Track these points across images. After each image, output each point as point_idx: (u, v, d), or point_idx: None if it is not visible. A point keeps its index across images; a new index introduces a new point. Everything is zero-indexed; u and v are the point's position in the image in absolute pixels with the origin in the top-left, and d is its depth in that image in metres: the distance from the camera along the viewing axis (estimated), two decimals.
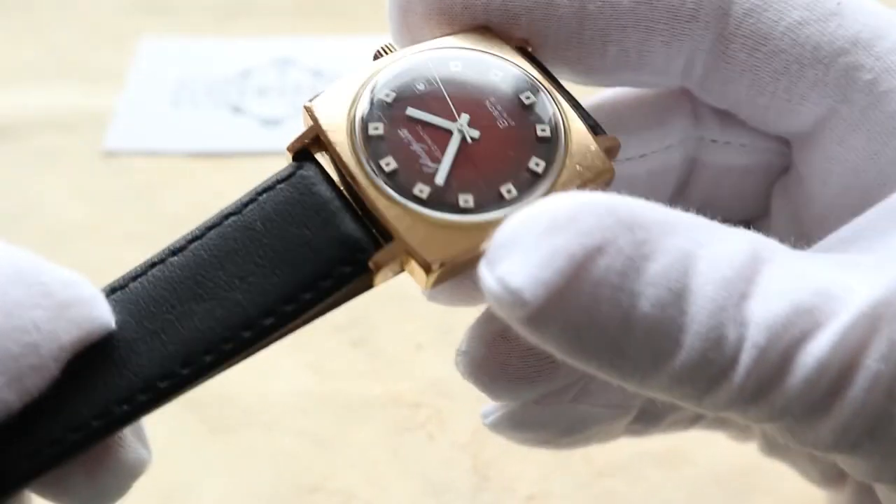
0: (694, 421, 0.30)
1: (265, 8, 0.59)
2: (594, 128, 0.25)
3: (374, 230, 0.23)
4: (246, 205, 0.24)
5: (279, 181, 0.24)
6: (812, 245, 0.25)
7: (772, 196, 0.29)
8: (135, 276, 0.23)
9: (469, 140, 0.24)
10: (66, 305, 0.21)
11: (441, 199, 0.23)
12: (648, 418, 0.29)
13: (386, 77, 0.25)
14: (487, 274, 0.20)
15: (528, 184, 0.23)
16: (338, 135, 0.24)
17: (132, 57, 0.56)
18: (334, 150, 0.23)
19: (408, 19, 0.26)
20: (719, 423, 0.30)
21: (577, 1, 0.25)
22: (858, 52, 0.25)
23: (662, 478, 0.35)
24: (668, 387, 0.20)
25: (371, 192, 0.23)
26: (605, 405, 0.27)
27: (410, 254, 0.22)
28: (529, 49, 0.26)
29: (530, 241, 0.19)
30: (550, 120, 0.24)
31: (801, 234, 0.27)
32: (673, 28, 0.25)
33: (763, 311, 0.20)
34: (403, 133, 0.24)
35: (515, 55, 0.25)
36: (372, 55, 0.26)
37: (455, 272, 0.23)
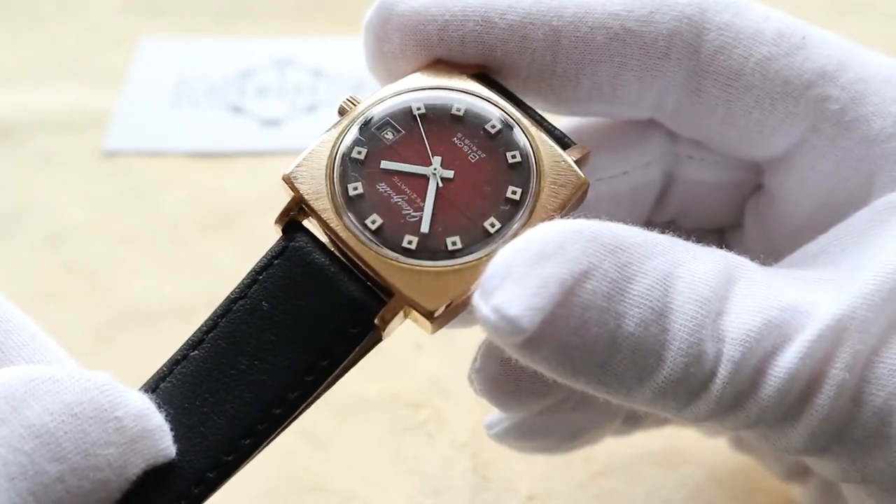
0: (668, 420, 0.31)
1: (265, 8, 0.59)
2: (562, 140, 0.25)
3: (373, 287, 0.24)
4: (249, 286, 0.24)
5: (274, 257, 0.25)
6: (781, 259, 0.26)
7: (745, 211, 0.30)
8: (162, 376, 0.24)
9: (441, 182, 0.24)
10: (137, 440, 0.22)
11: (430, 247, 0.24)
12: (632, 420, 0.31)
13: (353, 135, 0.25)
14: (483, 305, 0.21)
15: (509, 214, 0.24)
16: (320, 202, 0.24)
17: (132, 57, 0.56)
18: (320, 218, 0.24)
19: (383, 49, 0.27)
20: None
21: (552, 35, 0.25)
22: (825, 84, 0.26)
23: (662, 478, 0.35)
24: (652, 400, 0.21)
25: (364, 253, 0.24)
26: (599, 413, 0.28)
27: (412, 306, 0.23)
28: (485, 73, 0.26)
29: (522, 271, 0.21)
30: (518, 144, 0.25)
31: (773, 248, 0.28)
32: (645, 64, 0.26)
33: (737, 327, 0.21)
34: (382, 187, 0.25)
35: (473, 83, 0.26)
36: (337, 110, 0.26)
37: (456, 312, 0.24)
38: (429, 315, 0.23)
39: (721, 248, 0.23)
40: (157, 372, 0.24)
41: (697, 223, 0.31)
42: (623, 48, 0.26)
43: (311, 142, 0.25)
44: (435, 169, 0.25)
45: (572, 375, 0.21)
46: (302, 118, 0.52)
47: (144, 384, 0.24)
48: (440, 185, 0.24)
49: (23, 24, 0.58)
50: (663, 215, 0.31)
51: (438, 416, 0.39)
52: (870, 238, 0.23)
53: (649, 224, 0.24)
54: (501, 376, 0.26)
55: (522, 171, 0.25)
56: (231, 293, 0.24)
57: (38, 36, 0.57)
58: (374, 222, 0.24)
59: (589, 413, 0.28)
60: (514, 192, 0.24)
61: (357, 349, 0.24)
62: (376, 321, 0.24)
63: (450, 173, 0.25)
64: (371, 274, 0.24)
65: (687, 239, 0.23)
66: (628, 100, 0.27)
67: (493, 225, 0.24)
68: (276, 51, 0.56)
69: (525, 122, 0.25)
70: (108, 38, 0.57)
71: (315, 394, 0.25)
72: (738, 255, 0.23)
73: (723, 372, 0.21)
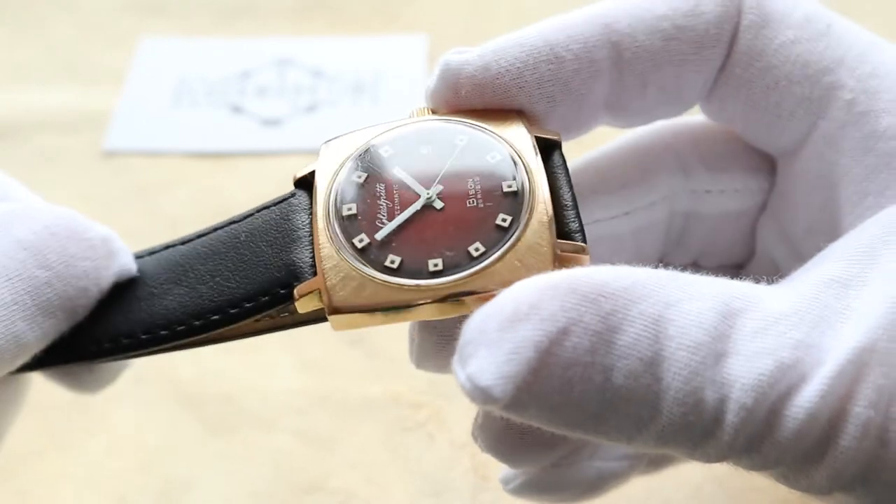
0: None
1: (265, 8, 0.59)
2: (568, 234, 0.24)
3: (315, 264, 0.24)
4: (246, 217, 0.27)
5: (276, 202, 0.26)
6: (798, 266, 0.25)
7: (757, 229, 0.29)
8: (151, 251, 0.28)
9: (427, 206, 0.24)
10: (106, 256, 0.26)
11: (371, 254, 0.24)
12: (658, 461, 0.30)
13: (394, 134, 0.26)
14: (459, 372, 0.20)
15: (462, 266, 0.23)
16: (325, 173, 0.25)
17: (132, 57, 0.56)
18: (315, 186, 0.25)
19: (458, 81, 0.26)
20: None
21: (614, 52, 0.25)
22: (842, 73, 0.26)
23: (663, 477, 0.35)
24: (655, 445, 0.20)
25: (318, 227, 0.24)
26: (619, 458, 0.28)
27: (323, 292, 0.24)
28: (556, 141, 0.26)
29: (495, 336, 0.20)
30: (516, 212, 0.24)
31: (791, 255, 0.28)
32: (701, 56, 0.26)
33: (746, 372, 0.20)
34: (380, 187, 0.25)
35: (516, 126, 0.25)
36: (407, 113, 0.27)
37: (365, 323, 0.24)
38: (330, 307, 0.23)
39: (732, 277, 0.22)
40: (153, 247, 0.28)
41: (720, 261, 0.31)
42: (679, 46, 0.26)
43: (370, 125, 0.26)
44: (430, 194, 0.25)
45: (566, 430, 0.21)
46: (302, 118, 0.52)
47: (141, 250, 0.28)
48: (428, 208, 0.24)
49: (23, 24, 0.58)
50: (685, 256, 0.30)
51: (438, 416, 0.39)
52: (885, 258, 0.22)
53: (668, 265, 0.23)
54: (504, 432, 0.25)
55: (502, 237, 0.24)
56: (235, 215, 0.27)
57: (38, 36, 0.57)
58: (349, 209, 0.24)
59: (608, 460, 0.28)
60: (476, 249, 0.24)
61: (265, 314, 0.25)
62: (295, 291, 0.24)
63: (440, 204, 0.24)
64: (314, 249, 0.24)
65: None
66: (691, 96, 0.27)
67: (436, 265, 0.24)
68: (276, 51, 0.56)
69: (542, 196, 0.24)
70: (108, 38, 0.57)
71: (232, 327, 0.26)
72: (744, 280, 0.22)
73: (732, 419, 0.20)
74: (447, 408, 0.39)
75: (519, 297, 0.20)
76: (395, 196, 0.25)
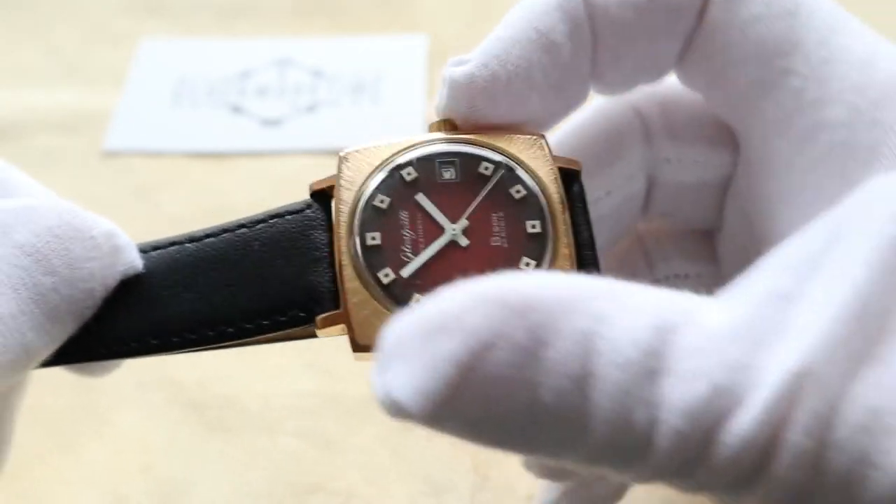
0: None
1: (265, 8, 0.59)
2: (586, 267, 0.24)
3: (338, 290, 0.24)
4: (257, 223, 0.26)
5: (290, 212, 0.25)
6: (759, 255, 0.23)
7: (725, 205, 0.29)
8: (156, 246, 0.27)
9: (454, 243, 0.24)
10: (111, 254, 0.25)
11: (398, 292, 0.24)
12: None
13: (419, 153, 0.25)
14: (376, 381, 0.19)
15: None
16: (346, 193, 0.25)
17: (132, 57, 0.56)
18: (336, 207, 0.25)
19: (470, 96, 0.25)
20: None
21: (592, 24, 0.25)
22: (797, 57, 0.25)
23: None
24: (587, 464, 0.20)
25: (344, 259, 0.24)
26: None
27: (348, 329, 0.24)
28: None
29: (414, 349, 0.19)
30: (540, 253, 0.24)
31: (755, 238, 0.27)
32: (674, 27, 0.26)
33: (680, 394, 0.19)
34: (403, 215, 0.24)
35: (540, 155, 0.25)
36: (428, 126, 0.26)
37: None
38: (355, 345, 0.24)
39: (704, 251, 0.21)
40: (159, 240, 0.27)
41: (686, 225, 0.30)
42: (653, 18, 0.25)
43: (390, 137, 0.26)
44: (455, 230, 0.24)
45: (490, 446, 0.19)
46: (302, 118, 0.52)
47: (141, 243, 0.27)
48: (453, 245, 0.24)
49: (23, 24, 0.58)
50: (648, 220, 0.30)
51: None
52: (826, 269, 0.21)
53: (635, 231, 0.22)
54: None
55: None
56: (243, 218, 0.26)
57: (39, 36, 0.57)
58: (373, 238, 0.24)
59: None
60: (527, 264, 0.24)
61: (294, 331, 0.25)
62: (318, 320, 0.24)
63: (465, 241, 0.24)
64: (339, 279, 0.24)
65: (674, 246, 0.21)
66: (667, 65, 0.27)
67: None
68: (276, 51, 0.56)
69: (563, 239, 0.24)
70: (108, 38, 0.57)
71: (245, 340, 0.25)
72: (685, 292, 0.20)
73: (664, 443, 0.19)
74: None
75: (443, 307, 0.19)
76: (419, 226, 0.24)
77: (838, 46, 0.25)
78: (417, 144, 0.25)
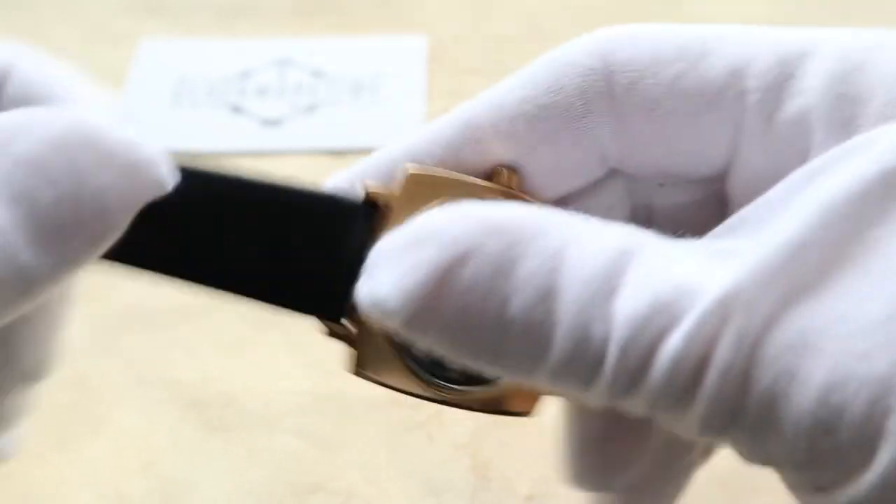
0: None
1: (265, 8, 0.59)
2: None
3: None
4: (303, 196, 0.24)
5: (341, 204, 0.24)
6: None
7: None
8: (182, 166, 0.24)
9: None
10: (131, 169, 0.23)
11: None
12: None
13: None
14: (361, 290, 0.21)
15: (484, 380, 0.25)
16: (400, 218, 0.24)
17: (132, 57, 0.56)
18: (385, 223, 0.24)
19: (474, 134, 0.26)
20: None
21: (478, 150, 0.26)
22: (739, 81, 0.25)
23: None
24: (550, 382, 0.21)
25: None
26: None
27: (352, 355, 0.25)
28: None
29: (395, 255, 0.21)
30: None
31: None
32: (574, 127, 0.26)
33: (626, 307, 0.20)
34: None
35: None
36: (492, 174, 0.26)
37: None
38: (353, 368, 0.25)
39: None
40: (182, 158, 0.25)
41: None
42: (548, 125, 0.26)
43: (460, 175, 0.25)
44: None
45: (464, 358, 0.21)
46: (302, 118, 0.52)
47: (184, 159, 0.25)
48: None
49: (23, 24, 0.58)
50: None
51: (438, 416, 0.39)
52: (784, 207, 0.22)
53: None
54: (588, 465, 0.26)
55: None
56: (290, 184, 0.24)
57: (39, 36, 0.57)
58: None
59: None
60: None
61: (296, 312, 0.25)
62: (323, 323, 0.25)
63: None
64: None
65: None
66: (582, 169, 0.26)
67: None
68: (276, 51, 0.56)
69: None
70: (108, 38, 0.57)
71: (249, 297, 0.25)
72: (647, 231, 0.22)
73: (611, 355, 0.20)
74: (447, 408, 0.39)
75: (425, 220, 0.21)
76: None
77: (765, 52, 0.25)
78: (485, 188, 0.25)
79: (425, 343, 0.21)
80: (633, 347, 0.20)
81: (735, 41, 0.26)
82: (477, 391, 0.25)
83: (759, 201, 0.23)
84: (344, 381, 0.41)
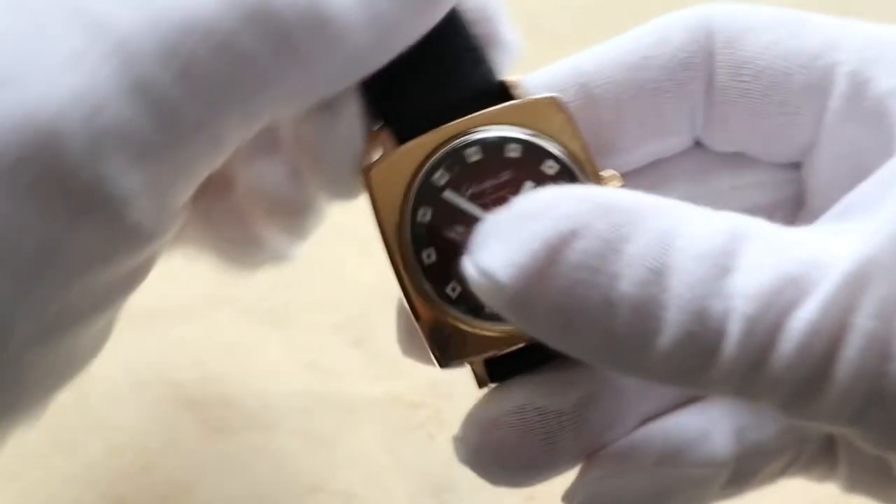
0: (783, 471, 0.29)
1: None
2: None
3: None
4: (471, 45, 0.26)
5: (484, 68, 0.26)
6: None
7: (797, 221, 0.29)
8: None
9: None
10: None
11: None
12: (742, 477, 0.28)
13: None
14: (468, 264, 0.21)
15: None
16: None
17: None
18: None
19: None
20: (805, 470, 0.29)
21: (582, 92, 0.26)
22: (834, 52, 0.26)
23: None
24: (660, 368, 0.20)
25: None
26: (695, 464, 0.26)
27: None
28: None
29: (506, 229, 0.21)
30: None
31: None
32: (676, 81, 0.26)
33: (749, 282, 0.20)
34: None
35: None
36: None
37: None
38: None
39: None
40: None
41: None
42: (649, 74, 0.26)
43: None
44: None
45: (571, 341, 0.20)
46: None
47: None
48: None
49: None
50: None
51: (438, 416, 0.39)
52: (893, 191, 0.22)
53: None
54: (484, 444, 0.26)
55: None
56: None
57: None
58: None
59: (678, 466, 0.26)
60: None
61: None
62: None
63: None
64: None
65: None
66: (671, 128, 0.27)
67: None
68: None
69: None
70: None
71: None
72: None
73: (734, 330, 0.19)
74: (447, 408, 0.39)
75: (536, 197, 0.21)
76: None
77: (862, 34, 0.26)
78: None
79: (530, 323, 0.21)
80: (761, 320, 0.19)
81: (831, 23, 0.26)
82: None
83: (864, 187, 0.23)
84: (343, 382, 0.42)
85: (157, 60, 0.21)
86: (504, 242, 0.20)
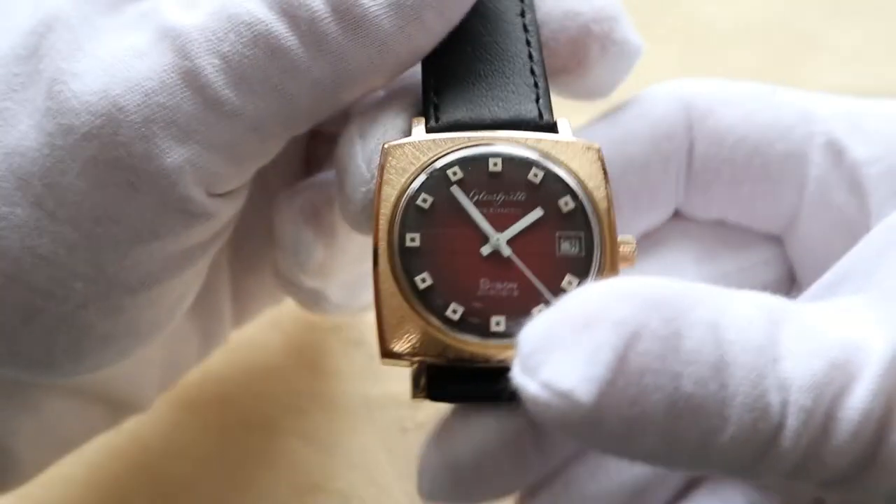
0: None
1: None
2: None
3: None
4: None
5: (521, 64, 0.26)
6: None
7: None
8: None
9: (500, 254, 0.24)
10: None
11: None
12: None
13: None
14: (529, 382, 0.19)
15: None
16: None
17: None
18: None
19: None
20: None
21: None
22: (807, 123, 0.27)
23: None
24: (719, 461, 0.20)
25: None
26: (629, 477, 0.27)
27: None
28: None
29: (570, 339, 0.19)
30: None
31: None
32: (661, 153, 0.27)
33: (802, 372, 0.20)
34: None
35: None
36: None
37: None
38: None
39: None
40: None
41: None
42: (635, 148, 0.27)
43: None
44: (498, 241, 0.24)
45: (636, 450, 0.20)
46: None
47: None
48: (492, 253, 0.24)
49: None
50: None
51: (438, 416, 0.39)
52: (893, 257, 0.23)
53: None
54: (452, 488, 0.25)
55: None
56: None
57: None
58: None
59: (616, 477, 0.27)
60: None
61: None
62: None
63: (507, 252, 0.24)
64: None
65: None
66: (661, 200, 0.28)
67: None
68: None
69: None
70: None
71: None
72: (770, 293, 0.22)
73: (793, 422, 0.19)
74: (447, 407, 0.39)
75: (587, 299, 0.20)
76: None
77: (830, 105, 0.27)
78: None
79: (595, 437, 0.19)
80: (816, 411, 0.19)
81: (801, 95, 0.28)
82: None
83: (856, 254, 0.24)
84: (343, 382, 0.42)
85: (204, 54, 0.24)
86: (573, 356, 0.19)
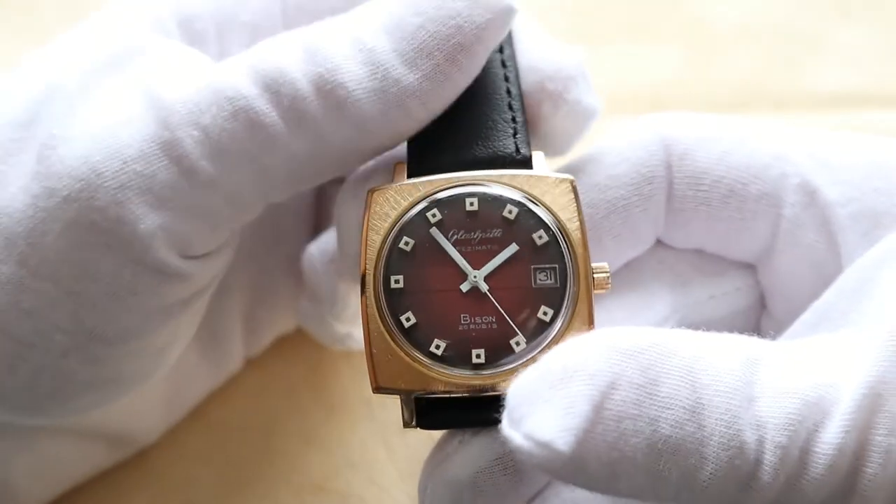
0: None
1: None
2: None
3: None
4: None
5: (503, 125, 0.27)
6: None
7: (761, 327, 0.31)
8: None
9: (478, 290, 0.25)
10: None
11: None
12: None
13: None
14: (514, 433, 0.21)
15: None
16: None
17: None
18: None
19: None
20: None
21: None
22: (781, 163, 0.28)
23: None
24: (701, 497, 0.21)
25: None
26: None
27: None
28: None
29: (548, 394, 0.21)
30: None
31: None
32: (642, 194, 0.28)
33: (776, 412, 0.21)
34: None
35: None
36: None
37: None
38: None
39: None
40: None
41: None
42: (622, 192, 0.28)
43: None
44: (476, 277, 0.26)
45: (620, 490, 0.21)
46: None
47: None
48: (470, 289, 0.25)
49: (23, 24, 0.58)
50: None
51: None
52: (866, 297, 0.24)
53: None
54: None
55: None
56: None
57: (39, 36, 0.57)
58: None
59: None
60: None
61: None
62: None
63: (485, 287, 0.26)
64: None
65: None
66: (643, 237, 0.29)
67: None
68: None
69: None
70: None
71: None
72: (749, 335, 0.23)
73: (770, 458, 0.21)
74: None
75: (565, 355, 0.21)
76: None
77: (805, 146, 0.28)
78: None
79: (580, 479, 0.21)
80: (792, 446, 0.21)
81: (776, 135, 0.28)
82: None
83: (832, 294, 0.25)
84: (344, 382, 0.42)
85: (185, 125, 0.25)
86: (551, 408, 0.21)
